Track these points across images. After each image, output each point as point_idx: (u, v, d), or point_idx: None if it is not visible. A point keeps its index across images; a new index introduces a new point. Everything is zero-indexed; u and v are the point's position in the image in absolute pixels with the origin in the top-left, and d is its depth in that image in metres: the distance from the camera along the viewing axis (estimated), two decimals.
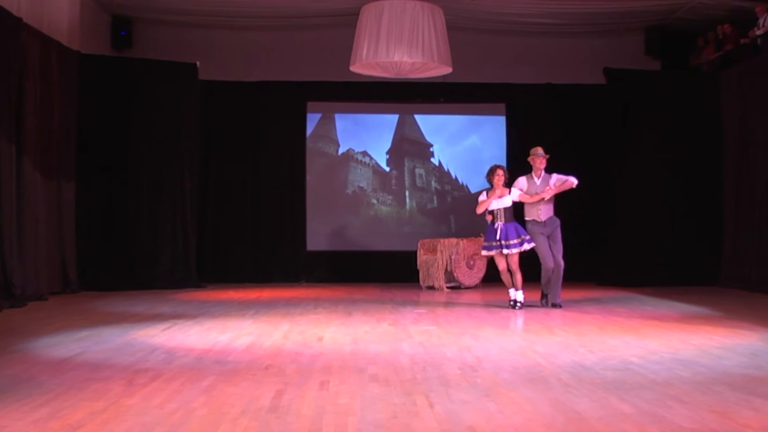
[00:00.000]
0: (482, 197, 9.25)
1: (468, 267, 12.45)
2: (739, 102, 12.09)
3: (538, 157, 9.22)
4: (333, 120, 14.52)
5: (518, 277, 9.13)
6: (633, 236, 12.72)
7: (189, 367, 5.45)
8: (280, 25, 13.63)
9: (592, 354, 5.94)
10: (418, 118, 14.66)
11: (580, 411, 4.14)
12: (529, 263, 9.43)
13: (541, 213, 9.09)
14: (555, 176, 9.20)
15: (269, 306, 9.65)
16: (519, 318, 8.45)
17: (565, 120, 13.93)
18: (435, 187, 14.63)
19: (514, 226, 9.08)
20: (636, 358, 5.70)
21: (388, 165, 14.58)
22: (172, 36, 13.63)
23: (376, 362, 5.65)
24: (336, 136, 14.51)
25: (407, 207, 14.61)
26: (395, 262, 13.62)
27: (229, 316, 8.50)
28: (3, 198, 9.45)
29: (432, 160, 14.62)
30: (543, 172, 9.23)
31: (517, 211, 9.26)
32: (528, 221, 9.20)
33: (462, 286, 12.41)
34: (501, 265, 9.15)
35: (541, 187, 9.13)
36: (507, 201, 9.06)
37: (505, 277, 9.20)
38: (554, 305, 9.22)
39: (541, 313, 8.79)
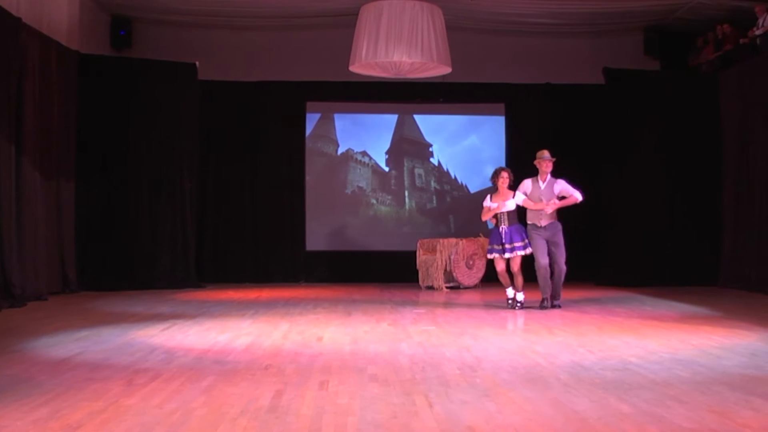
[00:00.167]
0: (486, 202, 9.18)
1: (467, 267, 12.45)
2: (739, 102, 12.09)
3: (544, 161, 9.08)
4: (332, 120, 14.52)
5: (519, 279, 9.11)
6: (632, 236, 12.72)
7: (188, 367, 5.45)
8: (280, 25, 13.63)
9: (592, 354, 5.94)
10: (417, 118, 14.66)
11: (579, 411, 4.14)
12: (531, 264, 9.34)
13: (542, 219, 9.01)
14: (561, 183, 9.04)
15: (269, 306, 9.65)
16: (518, 318, 8.45)
17: (565, 120, 13.93)
18: (434, 187, 14.63)
19: (517, 228, 9.05)
20: (635, 358, 5.71)
21: (387, 165, 14.57)
22: (171, 36, 13.63)
23: (375, 362, 5.65)
24: (335, 136, 14.51)
25: (406, 207, 14.61)
26: (394, 262, 13.62)
27: (228, 316, 8.50)
28: (2, 198, 9.45)
29: (431, 160, 14.62)
30: (549, 176, 9.10)
31: (519, 212, 9.21)
32: (529, 224, 9.13)
33: (461, 286, 12.41)
34: (500, 266, 9.13)
35: (546, 192, 9.01)
36: (511, 205, 9.01)
37: (502, 277, 9.17)
38: (554, 306, 9.21)
39: (540, 313, 8.79)
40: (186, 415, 4.09)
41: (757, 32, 11.62)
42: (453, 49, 12.06)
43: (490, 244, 9.23)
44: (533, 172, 9.26)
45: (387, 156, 14.58)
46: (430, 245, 12.67)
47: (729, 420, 3.92)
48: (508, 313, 8.78)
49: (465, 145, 14.63)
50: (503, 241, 9.02)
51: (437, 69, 12.00)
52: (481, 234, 12.62)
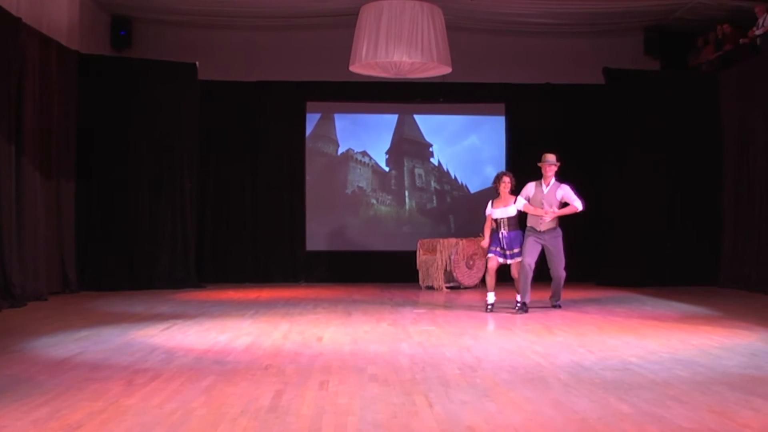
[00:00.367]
0: (488, 210, 9.06)
1: (467, 267, 12.45)
2: (739, 102, 12.09)
3: (547, 165, 8.95)
4: (332, 120, 14.52)
5: (520, 284, 9.07)
6: (632, 236, 12.72)
7: (188, 367, 5.45)
8: (280, 25, 13.63)
9: (592, 354, 5.94)
10: (417, 118, 14.66)
11: (579, 411, 4.14)
12: (536, 266, 9.26)
13: (540, 224, 8.89)
14: (564, 189, 8.90)
15: (268, 306, 9.65)
16: (519, 318, 8.44)
17: (565, 120, 13.93)
18: (434, 187, 14.62)
19: (518, 234, 8.97)
20: (635, 358, 5.71)
21: (387, 165, 14.57)
22: (171, 36, 13.63)
23: (375, 362, 5.65)
24: (335, 136, 14.51)
25: (406, 207, 14.61)
26: (395, 262, 13.61)
27: (228, 316, 8.50)
28: (2, 198, 9.44)
29: (431, 160, 14.62)
30: (554, 180, 8.96)
31: (522, 216, 9.13)
32: (527, 227, 9.01)
33: (461, 286, 12.41)
34: (492, 263, 9.00)
35: (549, 196, 8.91)
36: (512, 210, 8.93)
37: (490, 277, 9.05)
38: (554, 306, 9.21)
39: (540, 313, 8.79)
40: (186, 415, 4.09)
41: (757, 32, 11.62)
42: (453, 49, 12.06)
43: (491, 245, 9.17)
44: (533, 174, 9.20)
45: (387, 156, 14.58)
46: (430, 245, 12.68)
47: (729, 420, 3.92)
48: (508, 314, 8.76)
49: (465, 145, 14.63)
50: (503, 245, 8.98)
51: (437, 69, 11.99)
52: (481, 234, 12.59)
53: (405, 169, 14.60)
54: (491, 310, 8.90)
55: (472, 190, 14.47)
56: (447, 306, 9.95)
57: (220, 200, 13.89)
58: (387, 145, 14.57)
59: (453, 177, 14.64)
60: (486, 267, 9.17)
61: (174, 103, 12.49)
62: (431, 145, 14.62)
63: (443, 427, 3.84)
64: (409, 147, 14.63)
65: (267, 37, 13.98)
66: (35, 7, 10.59)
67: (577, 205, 8.89)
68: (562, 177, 9.15)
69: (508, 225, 8.95)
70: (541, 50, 14.11)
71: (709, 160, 12.67)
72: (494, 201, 9.09)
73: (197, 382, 4.91)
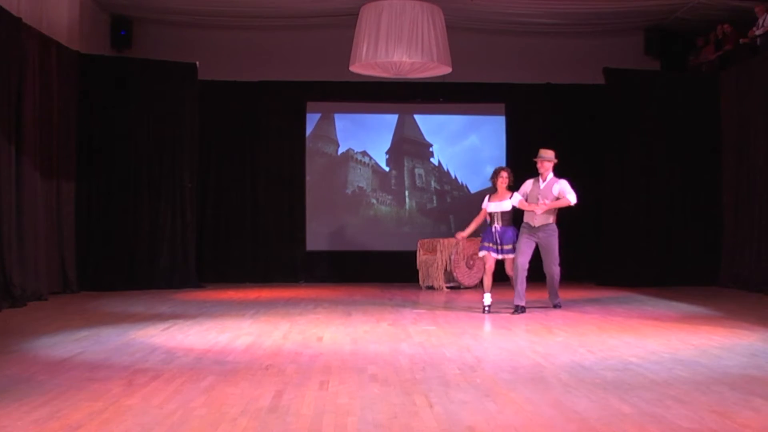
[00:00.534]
0: (484, 203, 9.11)
1: (467, 267, 12.45)
2: (739, 102, 12.09)
3: (539, 160, 8.94)
4: (332, 120, 14.52)
5: (516, 287, 9.06)
6: (633, 236, 12.71)
7: (188, 367, 5.45)
8: (280, 25, 13.63)
9: (592, 354, 5.94)
10: (417, 118, 14.66)
11: (579, 411, 4.14)
12: (532, 266, 9.26)
13: (535, 219, 8.86)
14: (561, 184, 8.84)
15: (269, 306, 9.65)
16: (519, 318, 8.43)
17: (565, 120, 13.93)
18: (434, 187, 14.63)
19: (511, 230, 8.97)
20: (635, 358, 5.71)
21: (387, 165, 14.58)
22: (171, 36, 13.63)
23: (375, 362, 5.65)
24: (335, 136, 14.51)
25: (407, 207, 14.61)
26: (395, 262, 13.61)
27: (228, 316, 8.50)
28: (2, 198, 9.44)
29: (431, 160, 14.62)
30: (552, 176, 8.91)
31: (518, 213, 9.15)
32: (523, 223, 8.97)
33: (461, 286, 12.41)
34: (489, 262, 9.05)
35: (545, 192, 8.86)
36: (506, 205, 8.94)
37: (488, 277, 9.06)
38: (555, 306, 9.20)
39: (540, 313, 8.79)
40: (186, 415, 4.09)
41: (757, 32, 11.62)
42: (453, 49, 12.05)
43: (483, 241, 9.16)
44: (533, 174, 9.18)
45: (387, 156, 14.58)
46: (430, 245, 12.68)
47: (729, 420, 3.92)
48: (508, 313, 8.76)
49: (465, 145, 14.63)
50: (494, 240, 8.98)
51: (437, 69, 11.99)
52: (481, 234, 12.59)
53: (405, 169, 14.60)
54: (489, 311, 8.90)
55: (473, 190, 14.47)
56: (447, 306, 9.96)
57: (220, 200, 13.89)
58: (387, 145, 14.57)
59: (453, 177, 14.64)
60: (485, 268, 9.16)
61: (174, 103, 12.48)
62: (431, 145, 14.62)
63: (443, 427, 3.84)
64: (410, 147, 14.64)
65: (267, 37, 13.98)
66: (35, 7, 10.59)
67: (570, 198, 8.79)
68: (562, 176, 9.11)
69: (502, 220, 8.95)
70: (541, 50, 14.11)
71: (709, 160, 12.67)
72: (491, 195, 9.11)
73: (197, 382, 4.91)
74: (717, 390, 4.62)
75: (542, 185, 8.93)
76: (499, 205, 8.96)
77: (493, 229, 8.99)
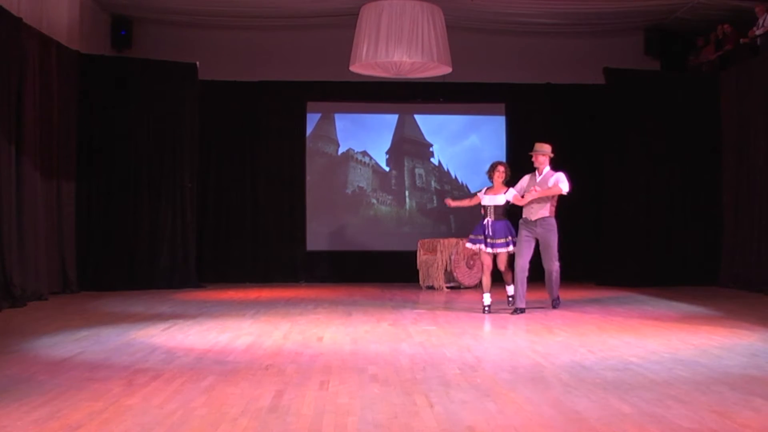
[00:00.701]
0: (480, 193, 9.16)
1: (468, 267, 12.45)
2: (739, 102, 12.08)
3: (535, 154, 8.90)
4: (333, 120, 14.52)
5: (509, 275, 9.05)
6: (633, 236, 12.71)
7: (189, 367, 5.45)
8: (280, 25, 13.63)
9: (592, 354, 5.94)
10: (417, 118, 14.66)
11: (580, 411, 4.14)
12: (532, 265, 9.24)
13: (531, 212, 8.83)
14: (558, 175, 8.78)
15: (269, 306, 9.65)
16: (519, 318, 8.43)
17: (565, 120, 13.93)
18: (435, 187, 14.63)
19: (503, 224, 8.92)
20: (636, 358, 5.71)
21: (387, 165, 14.58)
22: (171, 36, 13.63)
23: (376, 362, 5.65)
24: (336, 136, 14.51)
25: (407, 207, 14.61)
26: (395, 262, 13.61)
27: (228, 316, 8.50)
28: (3, 198, 9.44)
29: (432, 160, 14.62)
30: (548, 169, 8.86)
31: (517, 210, 9.14)
32: (521, 219, 8.94)
33: (462, 286, 12.41)
34: (486, 261, 9.04)
35: (542, 184, 8.79)
36: (500, 199, 8.90)
37: (486, 279, 9.03)
38: (553, 302, 9.16)
39: (540, 313, 8.78)
40: (186, 415, 4.09)
41: (757, 32, 11.61)
42: (453, 49, 12.05)
43: (474, 233, 9.09)
44: (533, 171, 9.18)
45: (387, 156, 14.58)
46: (430, 245, 12.68)
47: (729, 420, 3.92)
48: (508, 313, 8.76)
49: (465, 145, 14.63)
50: (484, 233, 8.95)
51: (437, 69, 11.99)
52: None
53: (405, 169, 14.60)
54: (488, 311, 8.90)
55: (473, 190, 14.43)
56: (447, 306, 9.96)
57: (220, 200, 13.89)
58: (387, 145, 14.57)
59: (453, 177, 14.64)
60: (483, 267, 9.15)
61: (174, 103, 12.48)
62: (431, 145, 14.62)
63: (443, 427, 3.84)
64: (410, 147, 14.64)
65: (267, 37, 13.97)
66: (35, 7, 10.59)
67: (562, 186, 8.71)
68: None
69: (495, 213, 8.90)
70: (541, 50, 14.10)
71: (709, 160, 12.67)
72: (488, 189, 9.09)
73: (198, 382, 4.91)
74: (717, 390, 4.62)
75: (538, 179, 8.89)
76: (493, 198, 8.94)
77: (485, 222, 8.95)
